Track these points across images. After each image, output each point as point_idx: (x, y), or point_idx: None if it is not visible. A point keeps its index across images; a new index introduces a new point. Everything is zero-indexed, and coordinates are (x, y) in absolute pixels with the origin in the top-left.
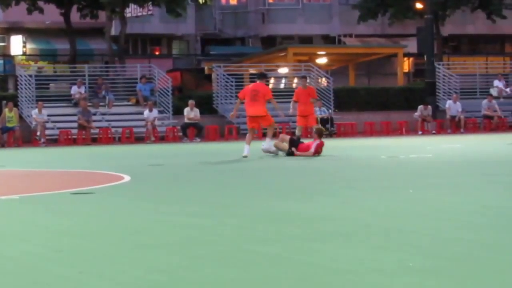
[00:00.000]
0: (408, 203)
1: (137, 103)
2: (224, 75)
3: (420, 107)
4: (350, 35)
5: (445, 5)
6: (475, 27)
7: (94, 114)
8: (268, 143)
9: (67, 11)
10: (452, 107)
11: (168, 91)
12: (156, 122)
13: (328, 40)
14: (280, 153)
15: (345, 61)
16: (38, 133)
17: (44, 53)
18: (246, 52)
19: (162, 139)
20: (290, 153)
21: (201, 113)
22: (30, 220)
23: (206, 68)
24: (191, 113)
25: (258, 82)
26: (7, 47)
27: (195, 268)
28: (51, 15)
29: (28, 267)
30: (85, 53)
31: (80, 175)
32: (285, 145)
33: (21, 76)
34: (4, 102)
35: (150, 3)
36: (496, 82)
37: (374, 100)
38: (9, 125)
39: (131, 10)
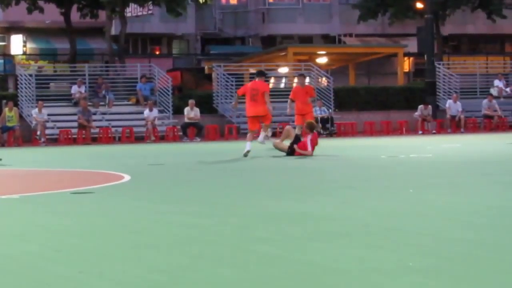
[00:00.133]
0: (408, 203)
1: (137, 102)
2: (224, 75)
3: (420, 106)
4: (350, 35)
5: (445, 5)
6: (475, 26)
7: (94, 114)
8: (262, 135)
9: (67, 11)
10: (452, 106)
11: (168, 91)
12: (156, 122)
13: (328, 39)
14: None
15: (345, 61)
16: (38, 133)
17: (44, 53)
18: (246, 51)
19: (162, 138)
20: (290, 152)
21: (201, 112)
22: (30, 220)
23: (206, 67)
24: (191, 112)
25: (257, 79)
26: (7, 46)
27: (195, 268)
28: (51, 15)
29: (28, 267)
30: (85, 52)
31: (80, 174)
32: (285, 146)
33: (21, 75)
34: (4, 101)
35: (150, 2)
36: (496, 82)
37: (374, 99)
38: (9, 124)
39: (131, 10)
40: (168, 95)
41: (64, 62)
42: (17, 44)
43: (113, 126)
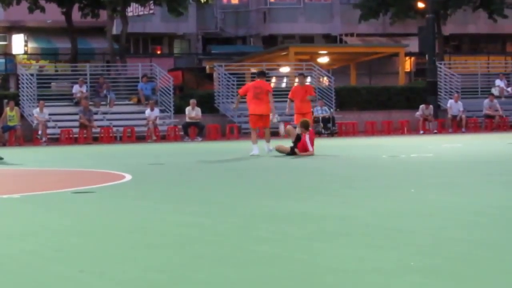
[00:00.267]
0: (408, 202)
1: (139, 102)
2: (225, 74)
3: (422, 106)
4: (352, 35)
5: (446, 5)
6: (477, 26)
7: (96, 113)
8: (266, 148)
9: (68, 10)
10: (454, 106)
11: (170, 90)
12: (158, 121)
13: (329, 39)
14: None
15: (347, 61)
16: (40, 132)
17: (46, 52)
18: (248, 51)
19: (163, 138)
20: (291, 153)
21: (202, 112)
22: (31, 219)
23: (207, 67)
24: (192, 112)
25: (258, 80)
26: (9, 46)
27: (195, 268)
28: (53, 14)
29: (28, 266)
30: (86, 52)
31: (81, 174)
32: (286, 148)
33: (22, 75)
34: (5, 101)
35: (152, 2)
36: (498, 82)
37: (376, 99)
38: (10, 124)
39: (133, 9)
40: (170, 94)
41: (66, 61)
42: (18, 44)
43: (114, 126)
